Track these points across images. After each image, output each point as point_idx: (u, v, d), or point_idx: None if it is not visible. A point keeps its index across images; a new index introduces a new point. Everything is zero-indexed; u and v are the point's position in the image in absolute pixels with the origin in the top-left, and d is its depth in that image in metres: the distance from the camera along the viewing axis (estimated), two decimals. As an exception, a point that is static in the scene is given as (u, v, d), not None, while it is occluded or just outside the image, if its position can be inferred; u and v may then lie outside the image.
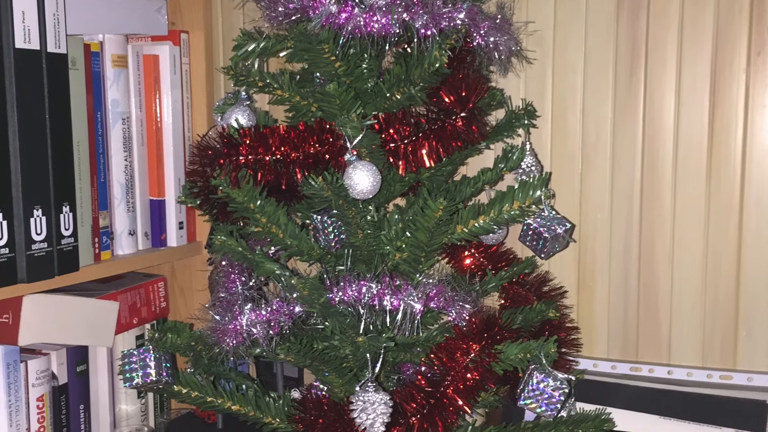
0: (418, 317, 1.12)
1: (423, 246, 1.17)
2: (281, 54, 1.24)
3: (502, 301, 1.34)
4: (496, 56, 1.20)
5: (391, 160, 1.17)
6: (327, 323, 1.23)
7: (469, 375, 1.13)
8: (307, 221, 1.27)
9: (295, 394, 1.30)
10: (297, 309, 1.17)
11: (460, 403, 1.13)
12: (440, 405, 1.13)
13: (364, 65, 1.21)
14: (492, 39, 1.18)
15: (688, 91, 1.38)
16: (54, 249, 1.28)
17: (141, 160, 1.50)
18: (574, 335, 1.33)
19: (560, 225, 1.23)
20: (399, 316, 1.12)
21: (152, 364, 1.24)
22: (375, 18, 1.09)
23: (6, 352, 1.29)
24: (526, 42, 1.44)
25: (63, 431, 1.40)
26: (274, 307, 1.16)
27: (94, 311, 1.44)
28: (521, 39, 1.38)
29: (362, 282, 1.12)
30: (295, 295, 1.15)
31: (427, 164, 1.16)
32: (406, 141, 1.16)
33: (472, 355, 1.13)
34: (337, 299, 1.13)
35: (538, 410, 1.14)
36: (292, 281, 1.13)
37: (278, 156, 1.13)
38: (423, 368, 1.16)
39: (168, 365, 1.26)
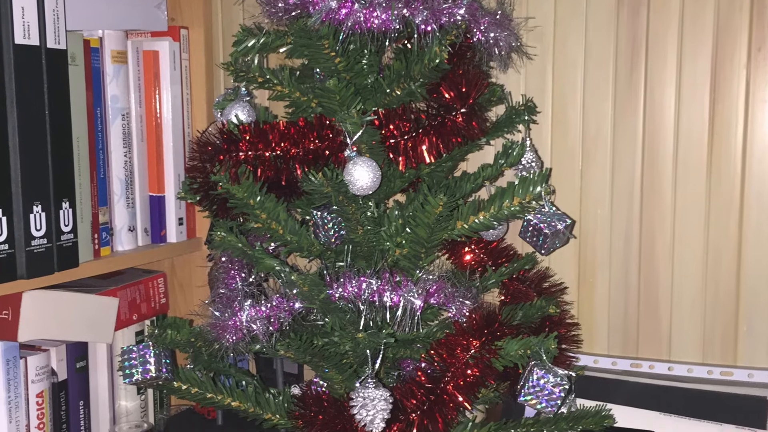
0: (418, 313, 1.12)
1: (423, 242, 1.17)
2: (281, 50, 1.24)
3: (503, 298, 1.34)
4: (497, 52, 1.20)
5: (391, 156, 1.16)
6: (327, 319, 1.23)
7: (469, 371, 1.13)
8: (307, 217, 1.27)
9: (295, 390, 1.30)
10: (297, 305, 1.17)
11: (461, 399, 1.13)
12: (440, 401, 1.13)
13: (364, 61, 1.20)
14: (492, 35, 1.18)
15: (688, 87, 1.38)
16: (53, 245, 1.28)
17: (141, 156, 1.50)
18: (575, 331, 1.33)
19: (560, 221, 1.22)
20: (399, 313, 1.12)
21: (152, 360, 1.24)
22: (375, 14, 1.09)
23: (5, 348, 1.29)
24: (526, 38, 1.44)
25: (62, 427, 1.40)
26: (274, 303, 1.16)
27: (94, 307, 1.44)
28: (521, 35, 1.37)
29: (362, 278, 1.12)
30: (295, 292, 1.15)
31: (427, 160, 1.16)
32: (406, 137, 1.16)
33: (473, 351, 1.13)
34: (337, 295, 1.13)
35: (539, 406, 1.14)
36: (292, 277, 1.13)
37: (278, 152, 1.13)
38: (423, 364, 1.16)
39: (168, 361, 1.26)
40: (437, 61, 1.12)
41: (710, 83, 1.37)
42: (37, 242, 1.25)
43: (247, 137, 1.13)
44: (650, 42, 1.39)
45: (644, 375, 1.41)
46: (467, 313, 1.16)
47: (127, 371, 1.25)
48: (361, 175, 1.10)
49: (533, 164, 1.30)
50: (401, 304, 1.11)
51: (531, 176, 1.17)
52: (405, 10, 1.10)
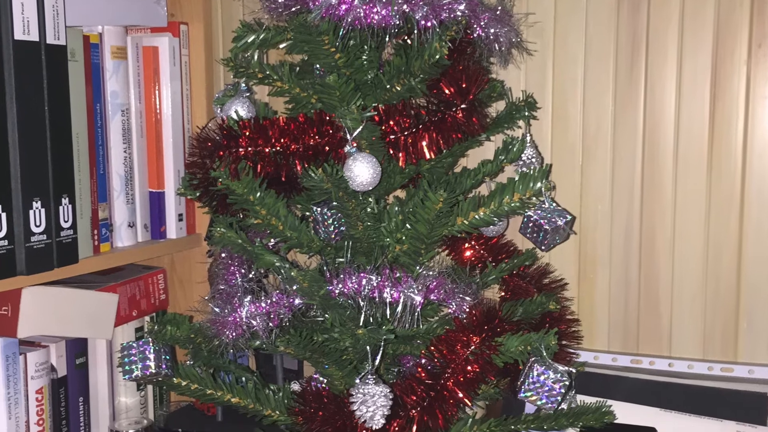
0: (418, 309, 1.12)
1: (423, 238, 1.17)
2: (281, 45, 1.24)
3: (503, 294, 1.34)
4: (497, 48, 1.20)
5: (391, 151, 1.16)
6: (327, 315, 1.23)
7: (469, 367, 1.13)
8: (307, 213, 1.27)
9: (295, 386, 1.30)
10: (297, 301, 1.16)
11: (461, 395, 1.13)
12: (440, 397, 1.13)
13: (364, 57, 1.20)
14: (492, 30, 1.18)
15: (688, 82, 1.38)
16: (53, 241, 1.28)
17: (140, 151, 1.50)
18: (575, 327, 1.33)
19: (561, 217, 1.22)
20: (399, 309, 1.11)
21: (151, 356, 1.24)
22: (375, 9, 1.09)
23: (5, 345, 1.29)
24: (526, 33, 1.44)
25: (62, 424, 1.40)
26: (274, 300, 1.16)
27: (94, 303, 1.44)
28: (521, 30, 1.37)
29: (362, 274, 1.12)
30: (294, 288, 1.15)
31: (428, 156, 1.16)
32: (406, 133, 1.16)
33: (473, 347, 1.13)
34: (337, 291, 1.13)
35: (539, 403, 1.14)
36: (292, 273, 1.13)
37: (278, 148, 1.12)
38: (423, 360, 1.16)
39: (167, 357, 1.26)
40: (437, 56, 1.12)
41: (711, 79, 1.37)
42: (37, 238, 1.25)
43: (247, 133, 1.13)
44: (651, 38, 1.39)
45: (644, 371, 1.41)
46: (467, 310, 1.16)
47: (127, 367, 1.25)
48: (361, 171, 1.10)
49: (533, 160, 1.30)
50: (401, 300, 1.11)
51: (531, 172, 1.17)
52: (405, 6, 1.09)
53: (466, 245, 1.36)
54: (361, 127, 1.10)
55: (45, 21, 1.24)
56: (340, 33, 1.11)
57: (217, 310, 1.17)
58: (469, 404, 1.14)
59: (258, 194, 1.13)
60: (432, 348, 1.15)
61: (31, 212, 1.24)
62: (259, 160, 1.12)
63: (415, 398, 1.13)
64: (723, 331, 1.40)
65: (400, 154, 1.16)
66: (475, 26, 1.17)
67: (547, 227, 1.22)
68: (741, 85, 1.35)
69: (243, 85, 1.26)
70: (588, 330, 1.47)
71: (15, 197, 1.22)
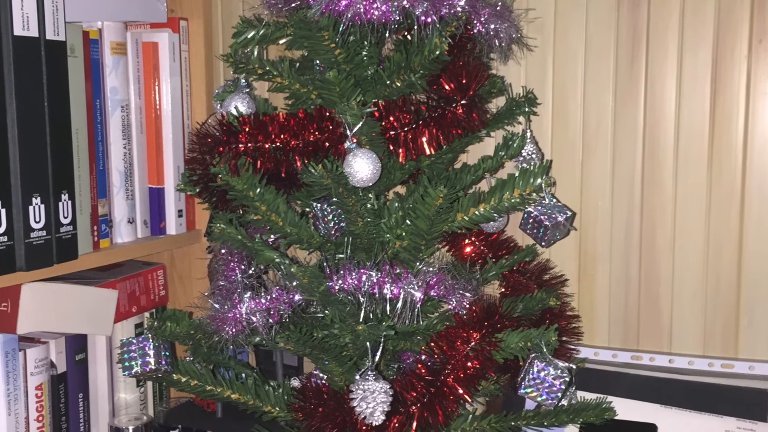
0: (418, 305, 1.12)
1: (423, 234, 1.17)
2: (281, 41, 1.24)
3: (503, 290, 1.34)
4: (497, 43, 1.20)
5: (391, 147, 1.16)
6: (327, 312, 1.23)
7: (469, 363, 1.12)
8: (307, 209, 1.27)
9: (295, 382, 1.30)
10: (297, 297, 1.16)
11: (461, 391, 1.13)
12: (440, 394, 1.13)
13: (364, 52, 1.20)
14: (492, 26, 1.18)
15: (689, 78, 1.38)
16: (53, 237, 1.28)
17: (140, 147, 1.50)
18: (575, 324, 1.33)
19: (561, 213, 1.22)
20: (399, 305, 1.11)
21: (151, 352, 1.24)
22: (375, 5, 1.08)
23: (5, 341, 1.29)
24: (526, 29, 1.44)
25: (62, 420, 1.40)
26: (274, 296, 1.16)
27: (93, 299, 1.43)
28: (522, 26, 1.37)
29: (362, 270, 1.12)
30: (294, 284, 1.15)
31: (428, 152, 1.16)
32: (406, 128, 1.15)
33: (473, 343, 1.13)
34: (336, 287, 1.13)
35: (539, 399, 1.14)
36: (292, 269, 1.13)
37: (278, 144, 1.12)
38: (423, 357, 1.16)
39: (167, 354, 1.26)
40: (437, 52, 1.11)
41: (711, 75, 1.36)
42: (37, 234, 1.25)
43: (247, 129, 1.13)
44: (651, 34, 1.39)
45: (645, 367, 1.41)
46: (467, 306, 1.16)
47: (127, 363, 1.25)
48: (361, 166, 1.10)
49: (534, 156, 1.30)
50: (401, 297, 1.11)
51: (531, 168, 1.17)
52: (405, 2, 1.09)
53: (466, 241, 1.36)
54: (361, 123, 1.10)
55: (44, 17, 1.24)
56: (340, 29, 1.11)
57: (216, 306, 1.17)
58: (469, 400, 1.14)
59: (258, 190, 1.13)
60: (432, 344, 1.15)
61: (31, 208, 1.24)
62: (258, 156, 1.12)
63: (415, 394, 1.13)
64: (723, 327, 1.40)
65: (400, 150, 1.16)
66: (475, 22, 1.17)
67: (548, 223, 1.22)
68: (741, 80, 1.35)
69: (243, 80, 1.26)
70: (588, 326, 1.46)
71: (14, 193, 1.22)
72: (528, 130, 1.31)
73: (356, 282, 1.12)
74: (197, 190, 1.21)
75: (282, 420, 1.27)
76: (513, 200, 1.16)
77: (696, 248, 1.40)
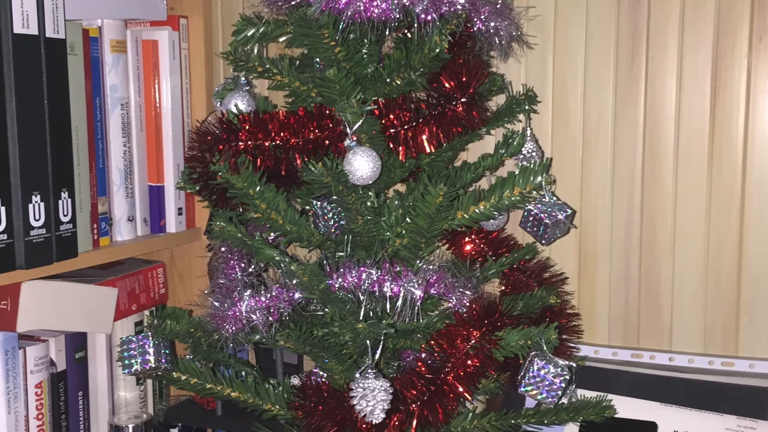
0: (419, 303, 1.12)
1: (423, 232, 1.17)
2: (281, 39, 1.24)
3: (503, 288, 1.34)
4: (497, 41, 1.20)
5: (391, 145, 1.16)
6: (327, 310, 1.23)
7: (469, 362, 1.12)
8: (307, 207, 1.27)
9: (295, 380, 1.30)
10: (297, 295, 1.16)
11: (461, 389, 1.13)
12: (440, 392, 1.13)
13: (364, 50, 1.20)
14: (492, 24, 1.18)
15: (689, 76, 1.37)
16: (52, 235, 1.27)
17: (140, 145, 1.50)
18: (575, 322, 1.33)
19: (561, 211, 1.22)
20: (399, 303, 1.11)
21: (151, 350, 1.24)
22: (375, 3, 1.08)
23: (4, 339, 1.29)
24: (526, 27, 1.43)
25: (61, 418, 1.40)
26: (274, 294, 1.16)
27: (93, 297, 1.43)
28: (522, 24, 1.37)
29: (362, 268, 1.12)
30: (294, 282, 1.15)
31: (428, 150, 1.16)
32: (406, 126, 1.15)
33: (473, 341, 1.13)
34: (336, 285, 1.13)
35: (539, 397, 1.14)
36: (292, 267, 1.13)
37: (278, 142, 1.12)
38: (423, 355, 1.16)
39: (167, 352, 1.26)
40: (437, 50, 1.11)
41: (711, 73, 1.36)
42: (36, 232, 1.25)
43: (247, 127, 1.12)
44: (651, 31, 1.39)
45: (645, 365, 1.41)
46: (467, 304, 1.16)
47: (126, 362, 1.25)
48: (361, 164, 1.09)
49: (534, 154, 1.30)
50: (401, 295, 1.11)
51: (531, 166, 1.17)
52: (405, 0, 1.09)
53: (467, 239, 1.36)
54: (361, 120, 1.10)
55: (44, 14, 1.24)
56: (340, 26, 1.11)
57: (216, 304, 1.17)
58: (469, 398, 1.14)
59: (258, 188, 1.13)
60: (432, 342, 1.15)
61: (31, 206, 1.23)
62: (258, 154, 1.12)
63: (415, 392, 1.13)
64: (724, 325, 1.40)
65: (400, 148, 1.16)
66: (475, 20, 1.17)
67: (548, 221, 1.22)
68: (742, 78, 1.35)
69: (243, 78, 1.26)
70: (588, 324, 1.46)
71: (14, 191, 1.22)
72: (528, 128, 1.31)
73: (356, 280, 1.12)
74: (197, 188, 1.21)
75: (282, 418, 1.27)
76: (513, 198, 1.16)
77: (696, 246, 1.40)
